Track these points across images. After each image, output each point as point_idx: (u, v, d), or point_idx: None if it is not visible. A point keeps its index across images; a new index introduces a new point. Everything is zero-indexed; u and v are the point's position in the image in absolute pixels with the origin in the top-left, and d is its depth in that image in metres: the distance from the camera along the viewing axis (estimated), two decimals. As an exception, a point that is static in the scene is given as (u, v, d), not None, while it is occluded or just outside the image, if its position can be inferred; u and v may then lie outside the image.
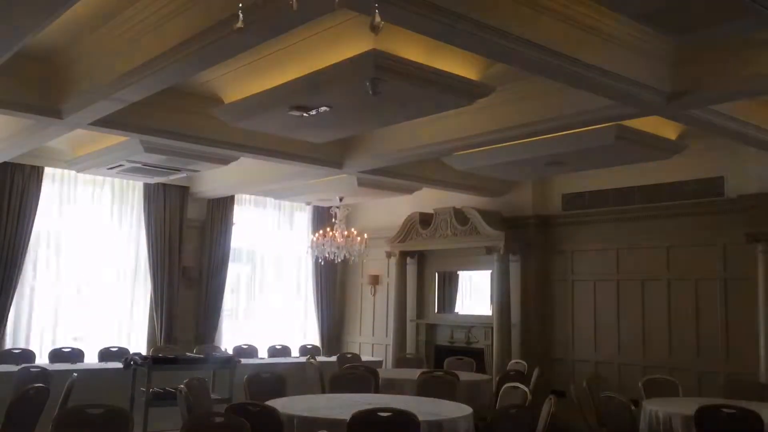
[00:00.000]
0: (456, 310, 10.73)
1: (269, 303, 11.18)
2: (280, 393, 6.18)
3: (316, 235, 9.83)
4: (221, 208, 10.58)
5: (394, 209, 10.88)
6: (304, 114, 5.90)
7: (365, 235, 9.74)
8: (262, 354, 9.52)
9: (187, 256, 10.26)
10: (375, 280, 11.56)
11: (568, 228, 9.47)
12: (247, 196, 10.96)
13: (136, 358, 6.99)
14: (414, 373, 7.37)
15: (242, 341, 9.77)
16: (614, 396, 5.92)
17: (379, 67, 4.87)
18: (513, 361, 8.69)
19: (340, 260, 9.81)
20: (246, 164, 8.61)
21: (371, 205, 11.44)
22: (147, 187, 9.84)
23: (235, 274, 10.77)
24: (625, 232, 8.82)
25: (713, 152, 7.90)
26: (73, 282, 9.40)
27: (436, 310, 10.75)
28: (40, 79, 5.98)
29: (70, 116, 6.07)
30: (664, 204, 8.48)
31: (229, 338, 10.52)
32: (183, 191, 10.17)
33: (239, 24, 2.77)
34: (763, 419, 4.93)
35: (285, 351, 9.65)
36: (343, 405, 5.32)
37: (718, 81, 5.15)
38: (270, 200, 11.12)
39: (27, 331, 9.00)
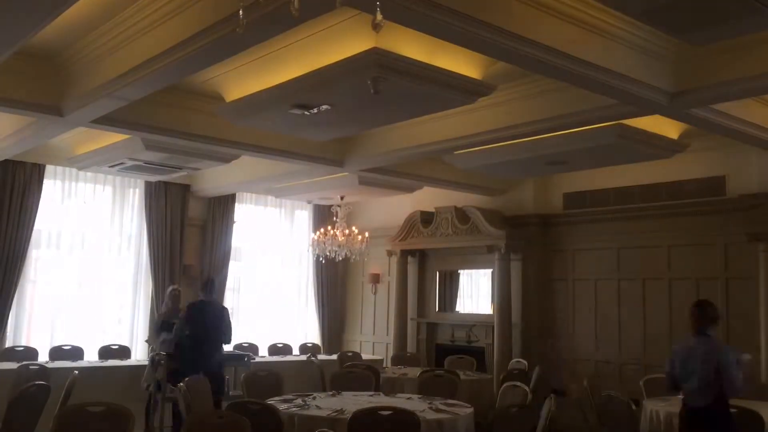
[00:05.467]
0: (457, 309, 10.73)
1: (270, 301, 11.18)
2: (278, 391, 6.17)
3: (317, 233, 9.84)
4: (222, 207, 10.58)
5: (395, 208, 10.88)
6: (306, 112, 5.89)
7: (366, 234, 9.74)
8: (263, 352, 9.52)
9: (188, 255, 10.26)
10: (376, 279, 11.55)
11: (569, 227, 9.46)
12: (248, 195, 10.96)
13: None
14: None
15: (243, 339, 9.76)
16: (615, 395, 5.92)
17: (381, 66, 4.87)
18: (514, 360, 8.69)
19: (341, 259, 9.82)
20: (247, 162, 8.61)
21: (372, 203, 11.43)
22: (148, 185, 9.84)
23: (236, 272, 10.78)
24: (627, 232, 8.81)
25: (714, 152, 7.90)
26: (74, 279, 9.41)
27: (437, 309, 10.75)
28: (41, 77, 5.98)
29: (71, 114, 6.06)
30: (665, 203, 8.47)
31: (229, 337, 10.52)
32: (184, 189, 10.18)
33: (240, 22, 2.77)
34: (763, 419, 4.93)
35: (286, 349, 9.65)
36: (344, 403, 5.33)
37: (720, 80, 5.14)
38: (271, 198, 11.12)
39: (28, 329, 9.02)
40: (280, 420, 4.73)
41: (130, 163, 8.27)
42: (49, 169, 9.02)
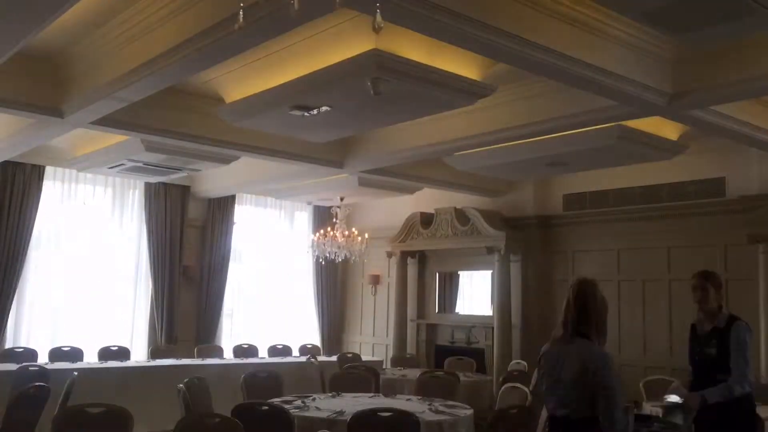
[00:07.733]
0: (457, 310, 10.72)
1: (270, 303, 11.17)
2: (277, 392, 6.16)
3: (317, 234, 9.83)
4: (222, 208, 10.58)
5: (394, 209, 10.87)
6: (305, 114, 5.90)
7: (366, 235, 9.74)
8: (263, 353, 9.51)
9: (188, 256, 10.27)
10: (376, 280, 11.55)
11: (569, 228, 9.46)
12: (248, 196, 10.96)
13: None
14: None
15: (243, 341, 9.76)
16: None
17: (381, 67, 4.87)
18: (514, 361, 8.69)
19: (340, 260, 9.82)
20: (247, 164, 8.61)
21: (372, 204, 11.43)
22: (148, 187, 9.84)
23: (235, 273, 10.78)
24: (626, 233, 8.81)
25: (714, 153, 7.90)
26: (73, 281, 9.40)
27: (436, 310, 10.74)
28: (42, 78, 5.98)
29: (71, 115, 6.07)
30: (665, 204, 8.47)
31: (229, 338, 10.53)
32: (184, 190, 10.17)
33: (240, 23, 2.77)
34: (763, 419, 4.91)
35: (285, 351, 9.63)
36: (344, 405, 5.32)
37: (720, 81, 5.15)
38: (271, 200, 11.12)
39: (28, 330, 9.01)
40: (290, 420, 4.66)
41: (129, 164, 8.27)
42: (49, 170, 9.02)
